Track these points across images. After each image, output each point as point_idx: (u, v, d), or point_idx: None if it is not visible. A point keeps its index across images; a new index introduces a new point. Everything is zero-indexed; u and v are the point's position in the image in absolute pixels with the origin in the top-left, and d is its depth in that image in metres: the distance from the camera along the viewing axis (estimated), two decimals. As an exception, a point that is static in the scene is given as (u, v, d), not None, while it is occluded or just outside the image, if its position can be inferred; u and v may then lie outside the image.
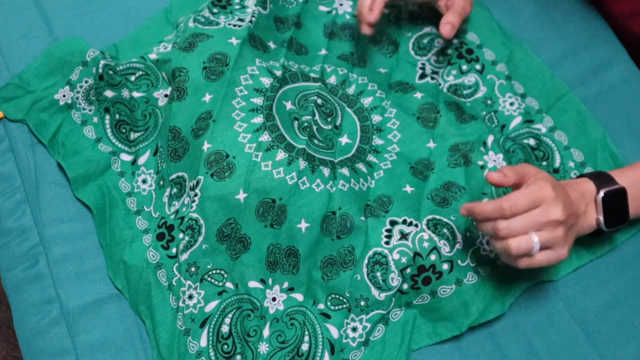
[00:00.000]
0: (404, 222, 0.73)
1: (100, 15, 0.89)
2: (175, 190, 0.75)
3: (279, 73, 0.79)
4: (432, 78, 0.85)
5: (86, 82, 0.80)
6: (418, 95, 0.83)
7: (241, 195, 0.71)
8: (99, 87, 0.78)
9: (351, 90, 0.83)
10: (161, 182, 0.77)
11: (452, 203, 0.75)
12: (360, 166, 0.77)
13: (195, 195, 0.72)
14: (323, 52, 0.85)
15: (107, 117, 0.79)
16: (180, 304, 0.72)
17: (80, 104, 0.80)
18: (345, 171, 0.74)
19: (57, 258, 0.76)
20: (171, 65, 0.79)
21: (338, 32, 0.88)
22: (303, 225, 0.71)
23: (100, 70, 0.78)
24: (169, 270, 0.73)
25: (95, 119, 0.80)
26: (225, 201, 0.71)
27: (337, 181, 0.73)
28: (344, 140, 0.78)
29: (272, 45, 0.83)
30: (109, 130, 0.79)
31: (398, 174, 0.77)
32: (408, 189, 0.76)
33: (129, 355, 0.72)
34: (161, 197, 0.76)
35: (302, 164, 0.72)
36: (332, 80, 0.83)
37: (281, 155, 0.73)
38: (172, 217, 0.74)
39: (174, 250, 0.73)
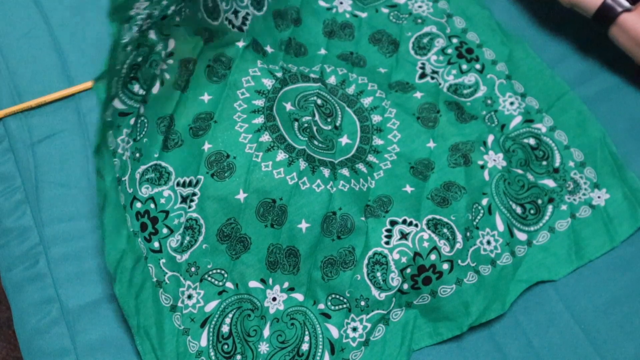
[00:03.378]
0: (404, 222, 0.73)
1: (100, 15, 0.89)
2: (152, 175, 0.75)
3: (279, 74, 0.79)
4: (432, 78, 0.85)
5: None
6: (418, 94, 0.83)
7: (241, 195, 0.71)
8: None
9: (351, 90, 0.83)
10: (137, 155, 0.75)
11: (452, 203, 0.75)
12: (361, 166, 0.77)
13: (194, 194, 0.72)
14: (322, 51, 0.85)
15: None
16: (179, 304, 0.72)
17: None
18: (345, 172, 0.74)
19: (57, 258, 0.76)
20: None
21: (338, 31, 0.88)
22: (303, 225, 0.71)
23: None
24: (156, 267, 0.73)
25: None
26: (226, 201, 0.71)
27: (337, 182, 0.73)
28: (344, 140, 0.78)
29: (269, 49, 0.83)
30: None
31: (398, 174, 0.77)
32: (408, 189, 0.76)
33: (129, 355, 0.72)
34: (135, 170, 0.75)
35: (302, 164, 0.72)
36: (332, 80, 0.83)
37: (281, 155, 0.73)
38: (151, 205, 0.74)
39: (156, 244, 0.73)
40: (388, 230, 0.73)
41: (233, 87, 0.76)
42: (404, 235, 0.72)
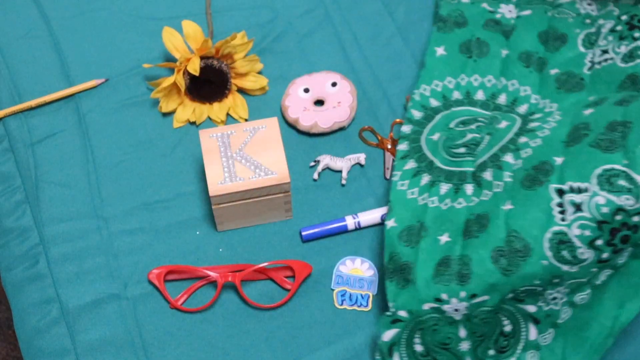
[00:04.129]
0: (571, 189, 0.64)
1: (100, 15, 0.90)
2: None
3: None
4: (605, 60, 0.80)
5: None
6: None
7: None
8: None
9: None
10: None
11: (619, 142, 0.64)
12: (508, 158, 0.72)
13: None
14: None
15: None
16: None
17: None
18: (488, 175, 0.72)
19: (57, 258, 0.76)
20: None
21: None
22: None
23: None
24: None
25: None
26: None
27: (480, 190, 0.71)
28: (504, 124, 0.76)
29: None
30: None
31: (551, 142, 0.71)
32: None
33: (129, 355, 0.72)
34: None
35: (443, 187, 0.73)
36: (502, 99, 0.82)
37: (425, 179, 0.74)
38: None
39: None
40: (559, 205, 0.64)
41: None
42: (577, 207, 0.63)
